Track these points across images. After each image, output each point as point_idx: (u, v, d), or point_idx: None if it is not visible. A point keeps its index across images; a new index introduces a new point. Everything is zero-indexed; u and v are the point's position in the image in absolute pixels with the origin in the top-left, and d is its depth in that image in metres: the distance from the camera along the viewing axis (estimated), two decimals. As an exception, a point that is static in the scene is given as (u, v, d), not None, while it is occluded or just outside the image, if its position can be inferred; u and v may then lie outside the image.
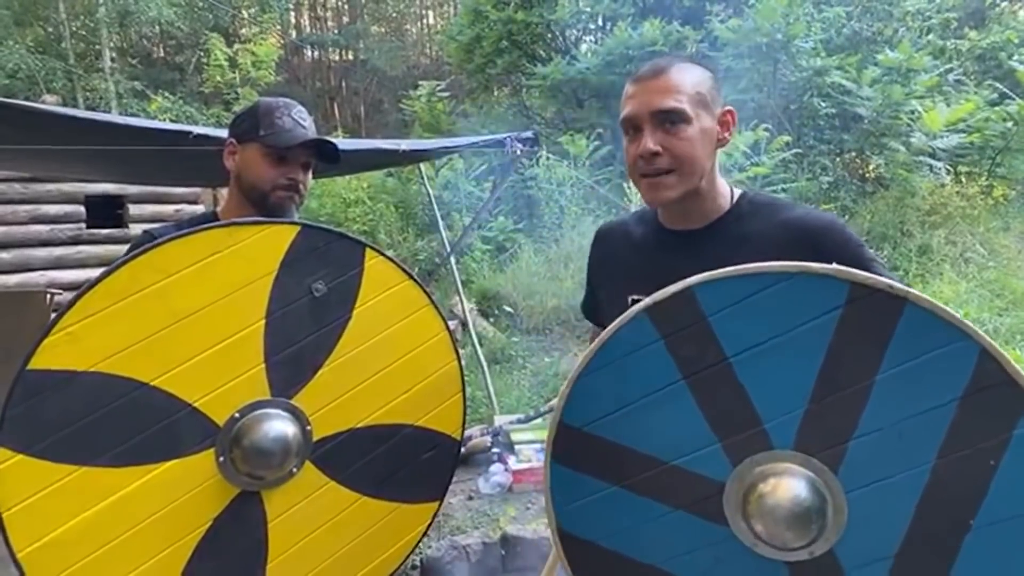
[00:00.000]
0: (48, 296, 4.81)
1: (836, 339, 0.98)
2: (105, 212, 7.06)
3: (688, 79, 1.27)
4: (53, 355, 1.24)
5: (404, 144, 4.11)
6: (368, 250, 1.47)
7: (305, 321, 1.40)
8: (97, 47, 15.30)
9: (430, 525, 1.56)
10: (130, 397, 1.28)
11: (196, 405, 1.32)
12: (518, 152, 4.30)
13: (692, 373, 1.03)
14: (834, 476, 1.00)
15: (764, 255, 1.15)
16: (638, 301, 1.33)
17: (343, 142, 5.35)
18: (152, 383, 1.29)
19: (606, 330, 1.06)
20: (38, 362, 1.23)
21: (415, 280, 1.54)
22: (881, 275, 1.19)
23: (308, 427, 1.41)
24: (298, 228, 1.40)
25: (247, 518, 1.38)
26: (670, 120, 1.25)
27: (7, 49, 12.59)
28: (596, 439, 1.07)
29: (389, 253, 1.51)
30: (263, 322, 1.36)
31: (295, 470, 1.40)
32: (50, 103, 6.65)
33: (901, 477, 0.98)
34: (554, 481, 1.09)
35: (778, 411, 1.01)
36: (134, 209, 7.11)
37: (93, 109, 12.17)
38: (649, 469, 1.05)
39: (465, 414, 1.58)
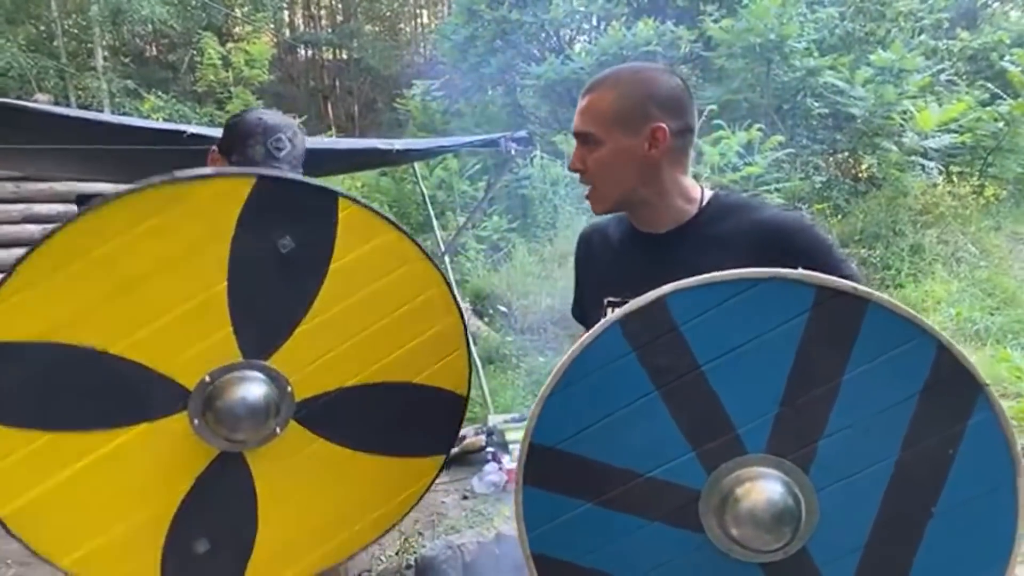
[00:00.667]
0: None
1: (804, 342, 1.01)
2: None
3: (605, 100, 1.31)
4: None
5: (398, 144, 4.12)
6: (341, 199, 1.34)
7: (274, 280, 1.32)
8: (89, 45, 15.23)
9: (435, 479, 1.52)
10: (88, 365, 1.25)
11: (161, 371, 1.29)
12: (512, 152, 4.31)
13: (665, 383, 1.04)
14: (805, 476, 1.03)
15: (735, 256, 1.19)
16: (613, 303, 1.37)
17: (338, 141, 5.36)
18: (111, 351, 1.26)
19: (574, 346, 1.06)
20: None
21: (404, 232, 1.40)
22: (852, 276, 1.22)
23: (288, 388, 1.37)
24: (254, 180, 1.28)
25: (231, 477, 1.36)
26: (585, 141, 1.33)
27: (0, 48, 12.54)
28: (569, 456, 1.06)
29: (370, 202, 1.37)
30: (225, 284, 1.29)
31: (278, 430, 1.37)
32: (42, 102, 6.63)
33: (868, 472, 1.02)
34: (526, 504, 1.08)
35: (750, 416, 1.03)
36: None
37: (85, 108, 12.13)
38: (625, 483, 1.06)
39: (471, 370, 1.51)
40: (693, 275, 1.19)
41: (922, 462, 1.01)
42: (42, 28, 15.57)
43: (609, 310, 1.37)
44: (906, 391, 1.00)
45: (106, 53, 15.12)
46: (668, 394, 1.03)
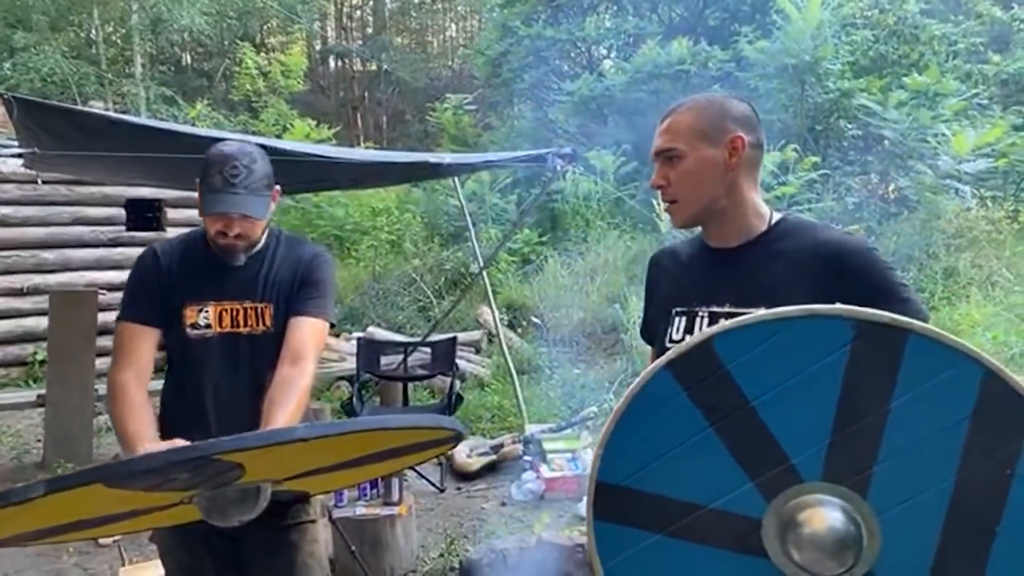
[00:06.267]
0: (98, 295, 4.94)
1: (849, 373, 1.04)
2: (144, 215, 7.25)
3: (686, 119, 1.42)
4: None
5: (448, 158, 4.24)
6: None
7: None
8: (128, 53, 15.57)
9: None
10: None
11: None
12: (559, 167, 4.41)
13: (718, 420, 1.08)
14: (864, 501, 1.06)
15: (798, 272, 1.31)
16: (680, 313, 1.47)
17: (392, 154, 5.49)
18: None
19: (630, 388, 1.11)
20: None
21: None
22: (909, 300, 1.31)
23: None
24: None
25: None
26: (668, 158, 1.42)
27: (43, 54, 12.85)
28: (634, 492, 1.11)
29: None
30: None
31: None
32: (97, 109, 6.83)
33: (927, 495, 1.05)
34: (598, 537, 1.12)
35: (803, 446, 1.07)
36: (172, 213, 7.29)
37: (124, 114, 12.39)
38: (689, 514, 1.10)
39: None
40: (758, 287, 1.30)
41: (981, 483, 1.03)
42: (82, 35, 15.94)
43: (677, 319, 1.48)
44: (956, 416, 1.02)
45: (144, 61, 15.45)
46: (722, 430, 1.08)
